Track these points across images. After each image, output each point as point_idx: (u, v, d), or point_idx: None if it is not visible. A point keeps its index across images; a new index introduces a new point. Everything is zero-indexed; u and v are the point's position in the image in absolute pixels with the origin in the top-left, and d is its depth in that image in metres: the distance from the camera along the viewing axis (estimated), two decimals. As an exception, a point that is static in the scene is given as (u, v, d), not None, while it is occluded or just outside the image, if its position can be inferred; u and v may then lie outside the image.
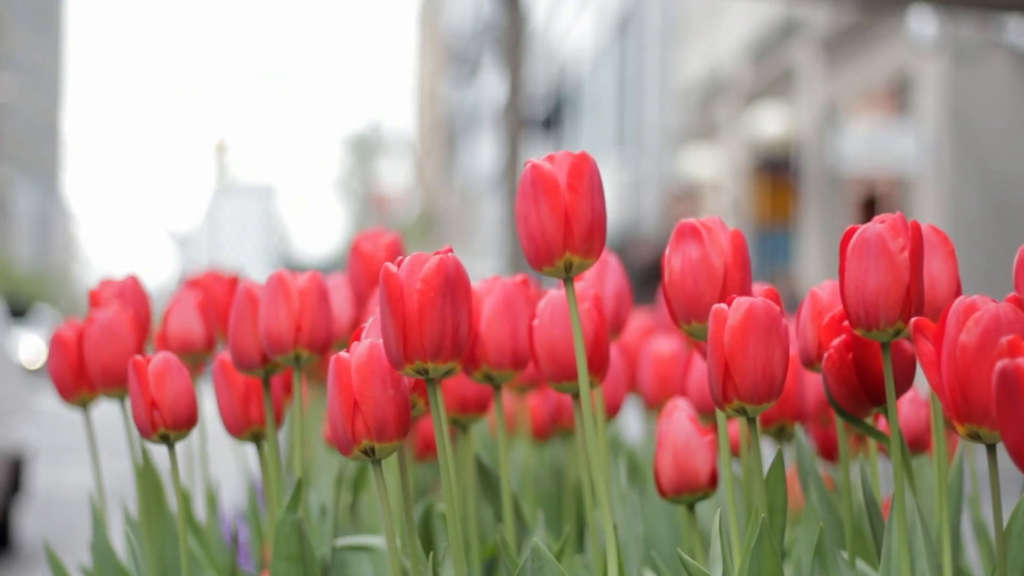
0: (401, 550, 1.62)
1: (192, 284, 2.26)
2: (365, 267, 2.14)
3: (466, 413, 1.94)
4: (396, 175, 65.12)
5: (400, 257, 1.38)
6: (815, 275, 14.70)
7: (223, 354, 1.81)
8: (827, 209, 16.03)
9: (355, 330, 1.53)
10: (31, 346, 15.22)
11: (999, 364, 1.05)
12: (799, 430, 1.90)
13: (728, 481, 1.47)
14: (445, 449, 1.42)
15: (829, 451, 2.02)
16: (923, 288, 1.39)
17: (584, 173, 1.43)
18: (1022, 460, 1.06)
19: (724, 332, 1.35)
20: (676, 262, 1.47)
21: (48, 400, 8.48)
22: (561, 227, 1.42)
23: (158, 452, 1.91)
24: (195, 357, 2.06)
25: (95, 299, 2.03)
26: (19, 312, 10.33)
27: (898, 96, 14.68)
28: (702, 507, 2.03)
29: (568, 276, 1.44)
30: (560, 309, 1.63)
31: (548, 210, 1.42)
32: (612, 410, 2.06)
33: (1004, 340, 1.10)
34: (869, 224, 1.38)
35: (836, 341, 1.50)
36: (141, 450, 1.98)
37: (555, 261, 1.43)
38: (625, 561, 1.82)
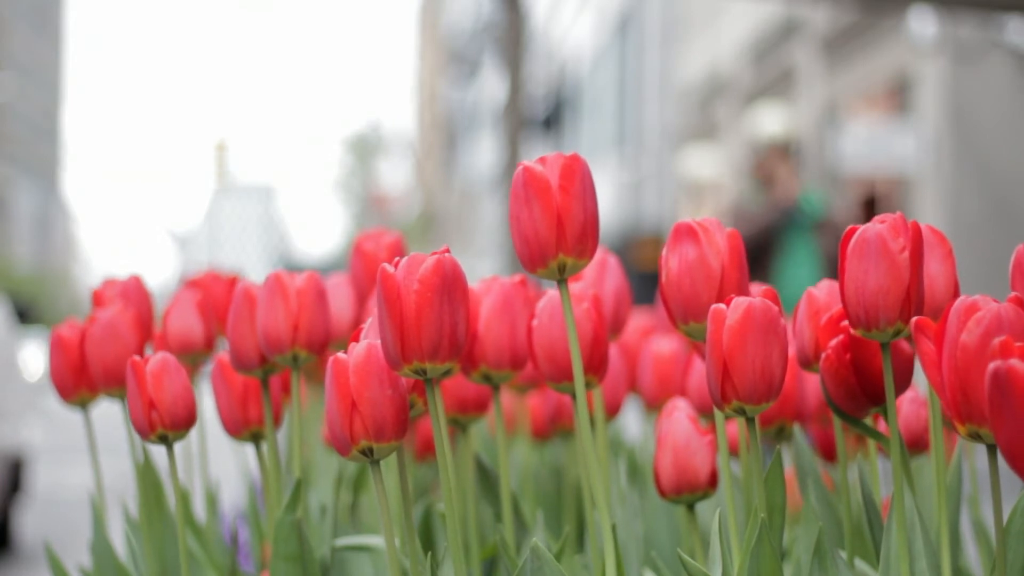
0: (401, 550, 1.62)
1: (192, 284, 2.26)
2: (367, 267, 2.15)
3: (465, 413, 1.94)
4: (396, 175, 65.13)
5: (397, 258, 1.39)
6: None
7: (222, 354, 1.82)
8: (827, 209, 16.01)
9: (357, 330, 1.53)
10: (34, 358, 14.75)
11: (991, 365, 1.05)
12: (798, 430, 1.90)
13: (727, 481, 1.47)
14: (444, 449, 1.42)
15: (828, 451, 2.02)
16: (923, 288, 1.39)
17: (576, 174, 1.43)
18: (1015, 461, 1.06)
19: (723, 332, 1.35)
20: (673, 263, 1.47)
21: (48, 400, 8.48)
22: (554, 228, 1.42)
23: (158, 452, 1.91)
24: (195, 357, 2.06)
25: (98, 299, 2.03)
26: (19, 312, 10.31)
27: (898, 96, 14.68)
28: (702, 507, 2.03)
29: (562, 277, 1.44)
30: (559, 309, 1.63)
31: (540, 212, 1.42)
32: (612, 410, 2.06)
33: (996, 341, 1.11)
34: (869, 224, 1.38)
35: (834, 341, 1.50)
36: (141, 450, 1.99)
37: (548, 262, 1.43)
38: (625, 561, 1.82)
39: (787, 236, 6.72)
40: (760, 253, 6.69)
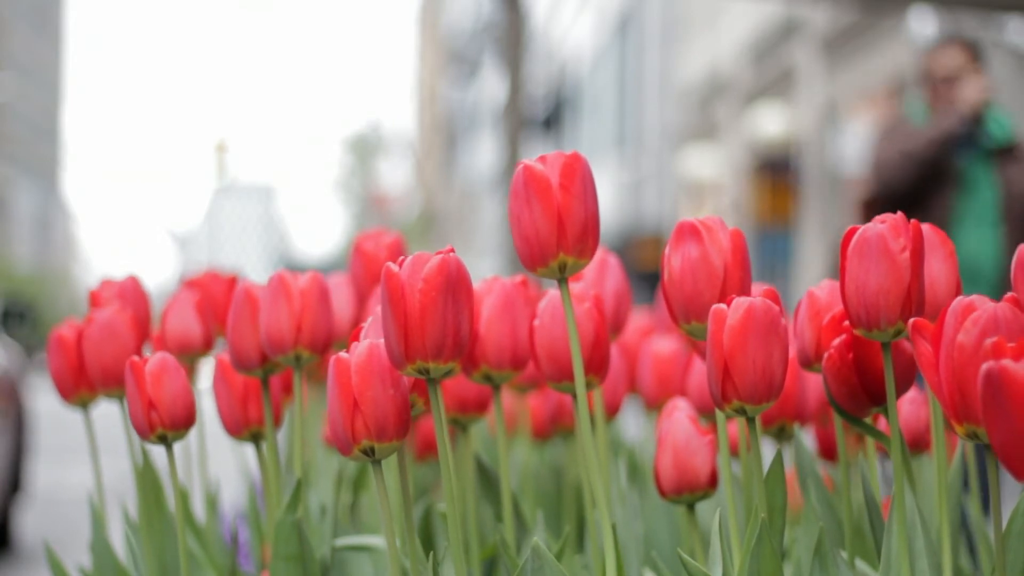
0: (401, 550, 1.62)
1: (190, 284, 2.26)
2: (367, 267, 2.15)
3: (466, 413, 1.94)
4: (396, 175, 65.10)
5: (401, 257, 1.38)
6: (815, 275, 14.69)
7: (222, 354, 1.82)
8: (827, 209, 16.02)
9: (356, 329, 1.53)
10: None
11: (983, 366, 1.05)
12: (799, 430, 1.90)
13: (728, 481, 1.47)
14: (445, 449, 1.42)
15: (829, 451, 2.02)
16: (924, 288, 1.39)
17: (576, 173, 1.43)
18: (1008, 460, 1.06)
19: (723, 332, 1.35)
20: (675, 262, 1.47)
21: (48, 400, 8.48)
22: (554, 227, 1.42)
23: (158, 452, 1.91)
24: (193, 357, 2.06)
25: (95, 299, 2.03)
26: (19, 313, 10.29)
27: (898, 96, 14.67)
28: (702, 507, 2.03)
29: (562, 277, 1.44)
30: (561, 309, 1.63)
31: (541, 211, 1.42)
32: (612, 410, 2.06)
33: (988, 342, 1.11)
34: (870, 224, 1.38)
35: (836, 341, 1.50)
36: (141, 450, 1.99)
37: (549, 262, 1.43)
38: (625, 561, 1.82)
39: (964, 163, 4.57)
40: (927, 179, 4.52)
